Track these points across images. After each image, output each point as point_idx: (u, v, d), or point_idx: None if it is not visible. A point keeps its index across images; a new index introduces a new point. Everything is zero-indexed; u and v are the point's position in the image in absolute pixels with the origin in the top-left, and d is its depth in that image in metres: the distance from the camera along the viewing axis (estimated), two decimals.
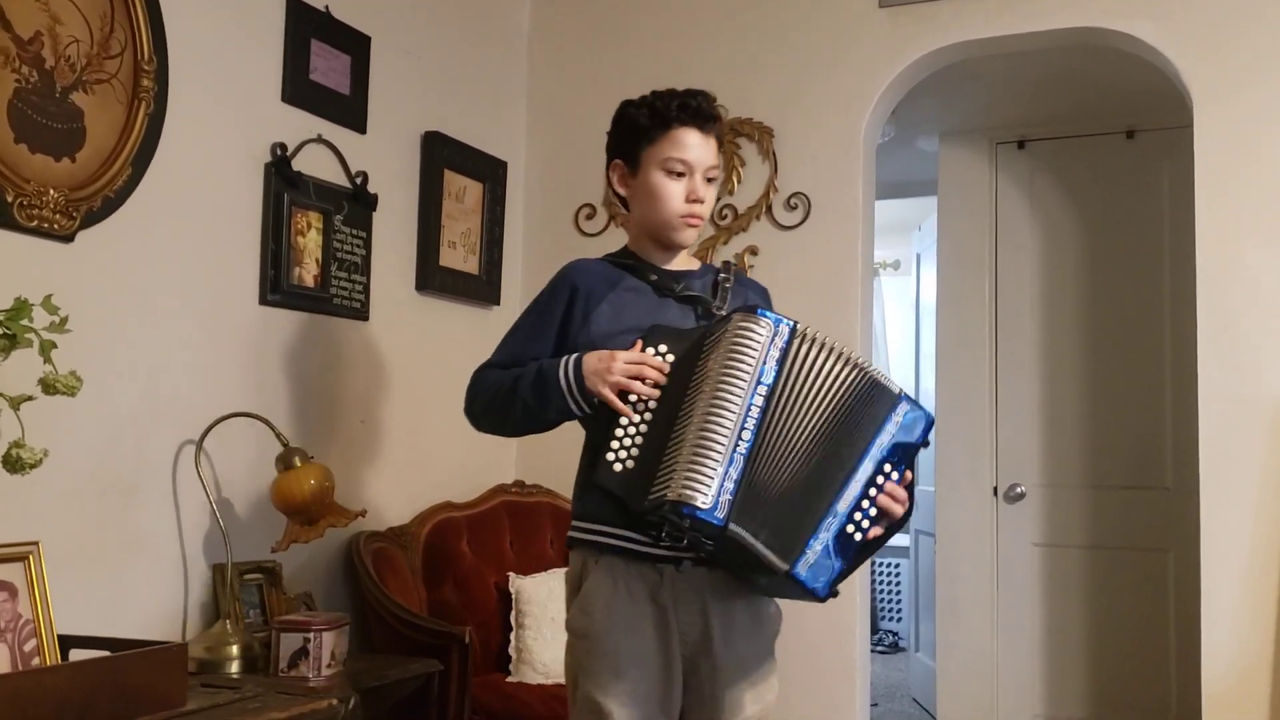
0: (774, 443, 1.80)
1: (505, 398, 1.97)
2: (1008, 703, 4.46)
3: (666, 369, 1.87)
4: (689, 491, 1.74)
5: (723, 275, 2.06)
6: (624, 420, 1.85)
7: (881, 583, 7.21)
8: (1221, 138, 3.03)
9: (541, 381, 1.92)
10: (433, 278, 3.35)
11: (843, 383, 1.85)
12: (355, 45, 3.07)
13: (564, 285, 2.03)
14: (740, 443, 1.77)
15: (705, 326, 1.92)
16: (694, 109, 1.99)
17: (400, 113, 3.25)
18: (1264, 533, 2.91)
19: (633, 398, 1.86)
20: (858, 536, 1.83)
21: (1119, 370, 4.38)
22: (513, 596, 3.08)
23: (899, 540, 7.44)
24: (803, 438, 1.82)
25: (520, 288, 3.71)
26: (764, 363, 1.80)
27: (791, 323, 1.85)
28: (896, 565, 7.08)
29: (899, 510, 1.86)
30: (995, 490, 4.52)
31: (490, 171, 3.60)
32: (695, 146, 1.99)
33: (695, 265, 2.12)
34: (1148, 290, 4.35)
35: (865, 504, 1.83)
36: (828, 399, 1.84)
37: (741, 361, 1.80)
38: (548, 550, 3.36)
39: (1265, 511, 2.92)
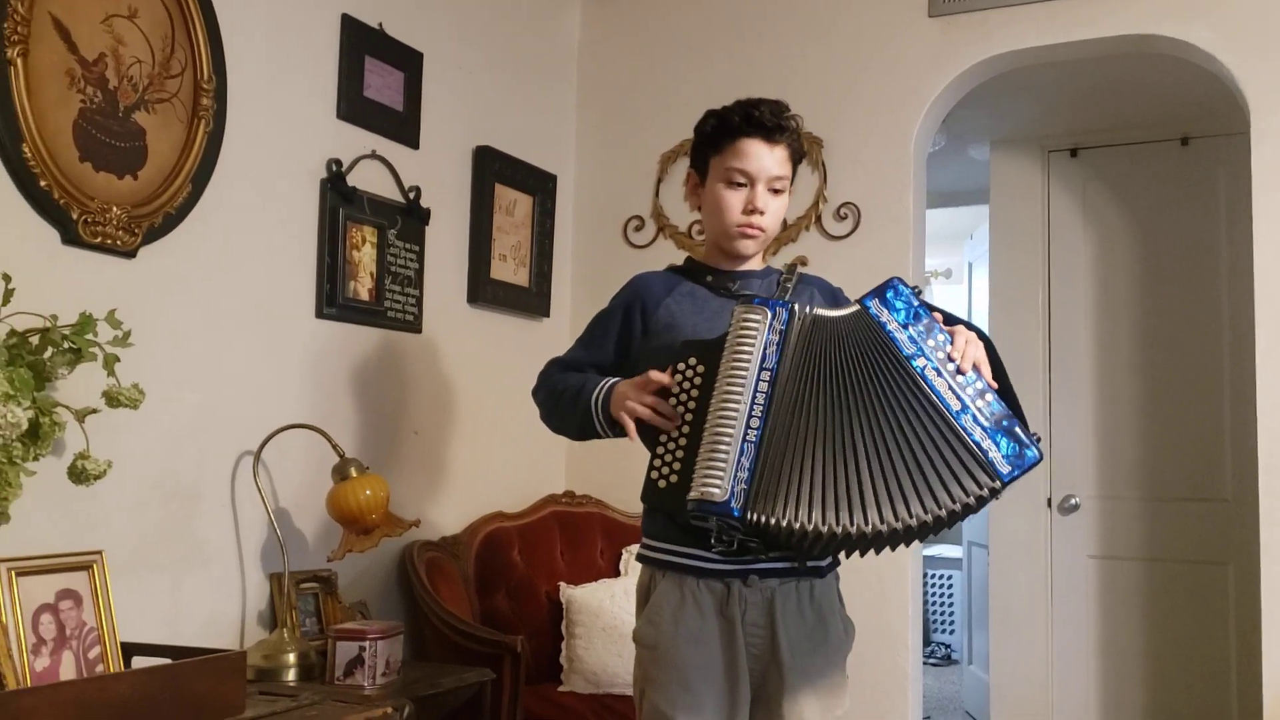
0: (792, 420, 1.78)
1: (554, 401, 2.05)
2: (1062, 717, 4.40)
3: (699, 380, 1.85)
4: (705, 488, 1.75)
5: (784, 275, 2.04)
6: (662, 437, 1.86)
7: (934, 595, 7.13)
8: (1279, 144, 2.99)
9: (575, 397, 1.99)
10: (484, 290, 3.38)
11: (842, 326, 1.83)
12: (408, 62, 3.11)
13: (623, 295, 2.08)
14: (750, 430, 1.77)
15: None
16: (757, 119, 1.98)
17: (452, 128, 3.29)
18: None
19: (659, 423, 1.85)
20: (989, 396, 1.78)
21: (1175, 379, 4.32)
22: (564, 606, 3.10)
23: (952, 552, 7.25)
24: (826, 399, 1.79)
25: (569, 300, 3.73)
26: (765, 348, 1.80)
27: (788, 304, 1.83)
28: (949, 577, 7.01)
29: (968, 346, 1.81)
30: (1049, 501, 4.47)
31: (540, 185, 3.63)
32: (757, 157, 1.98)
33: (758, 266, 2.11)
34: (1204, 299, 4.28)
35: (960, 380, 1.78)
36: (842, 351, 1.81)
37: (742, 352, 1.80)
38: (598, 560, 3.38)
39: None
